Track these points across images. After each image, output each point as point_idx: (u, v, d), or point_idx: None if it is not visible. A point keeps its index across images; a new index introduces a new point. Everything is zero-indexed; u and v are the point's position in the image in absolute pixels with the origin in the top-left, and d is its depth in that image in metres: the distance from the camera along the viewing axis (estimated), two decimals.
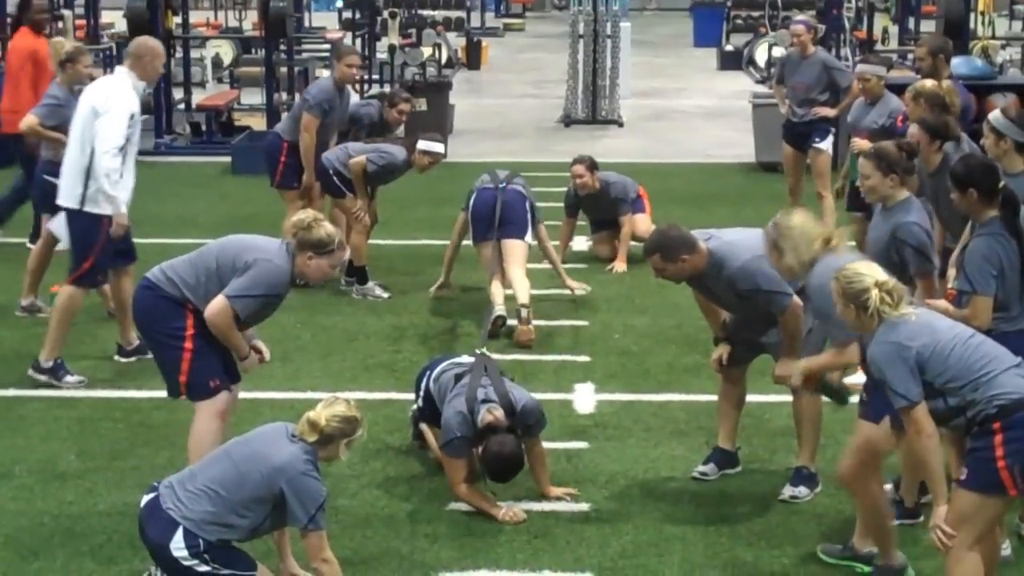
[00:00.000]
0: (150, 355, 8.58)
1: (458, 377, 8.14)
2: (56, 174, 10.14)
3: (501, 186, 11.60)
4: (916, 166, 8.26)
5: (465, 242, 11.86)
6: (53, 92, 11.21)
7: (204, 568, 6.40)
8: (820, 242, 7.06)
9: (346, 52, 13.04)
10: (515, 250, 11.40)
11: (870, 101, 11.45)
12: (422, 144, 12.05)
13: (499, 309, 11.01)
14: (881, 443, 6.92)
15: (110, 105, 9.64)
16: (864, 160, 7.86)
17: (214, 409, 7.52)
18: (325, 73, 22.69)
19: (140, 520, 6.59)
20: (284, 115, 14.93)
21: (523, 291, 11.03)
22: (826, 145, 13.65)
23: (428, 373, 8.40)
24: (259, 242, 7.53)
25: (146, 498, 6.60)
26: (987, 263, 7.09)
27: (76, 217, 9.83)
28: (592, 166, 13.20)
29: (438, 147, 12.16)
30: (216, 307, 7.31)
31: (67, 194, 9.86)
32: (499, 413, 7.81)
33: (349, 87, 13.05)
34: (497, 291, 11.20)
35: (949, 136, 8.57)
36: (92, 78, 10.72)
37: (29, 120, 11.06)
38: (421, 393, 8.37)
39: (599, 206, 13.42)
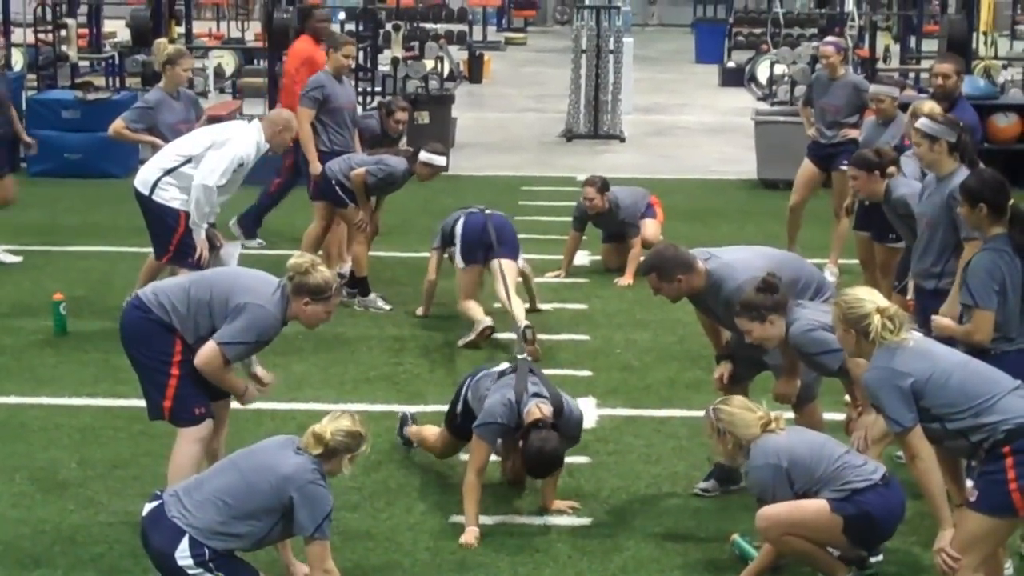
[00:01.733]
0: None
1: (500, 374, 8.16)
2: None
3: (487, 212, 11.71)
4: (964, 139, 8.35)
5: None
6: (147, 96, 11.88)
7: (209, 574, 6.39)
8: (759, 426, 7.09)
9: (342, 42, 13.12)
10: (511, 271, 11.43)
11: (882, 121, 11.40)
12: (424, 156, 12.06)
13: (488, 320, 11.04)
14: None
15: (230, 144, 10.22)
16: (914, 131, 8.09)
17: (196, 435, 7.45)
18: None
19: (143, 528, 6.58)
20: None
21: (521, 312, 11.06)
22: None
23: (469, 380, 8.39)
24: (254, 283, 7.43)
25: (149, 506, 6.60)
26: (990, 278, 7.08)
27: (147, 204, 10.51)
28: (603, 188, 13.22)
29: (440, 160, 12.18)
30: (207, 354, 7.24)
31: (142, 181, 10.52)
32: (547, 409, 7.82)
33: (346, 78, 13.18)
34: (476, 307, 11.19)
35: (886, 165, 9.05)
36: (192, 80, 11.12)
37: (115, 124, 11.65)
38: (460, 401, 8.32)
39: (608, 224, 13.50)
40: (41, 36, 21.74)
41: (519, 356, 8.66)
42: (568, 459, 8.53)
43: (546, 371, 9.41)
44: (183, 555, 6.39)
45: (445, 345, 11.11)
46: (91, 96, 18.15)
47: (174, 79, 11.60)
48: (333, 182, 12.04)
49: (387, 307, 12.11)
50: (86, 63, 23.17)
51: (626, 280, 13.01)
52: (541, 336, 11.19)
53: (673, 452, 8.96)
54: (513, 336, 10.74)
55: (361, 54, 23.75)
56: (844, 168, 13.37)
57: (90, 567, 7.24)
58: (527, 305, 11.66)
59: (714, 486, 8.27)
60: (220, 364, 7.29)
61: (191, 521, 6.41)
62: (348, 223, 12.18)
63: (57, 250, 14.09)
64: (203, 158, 10.26)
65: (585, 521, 7.90)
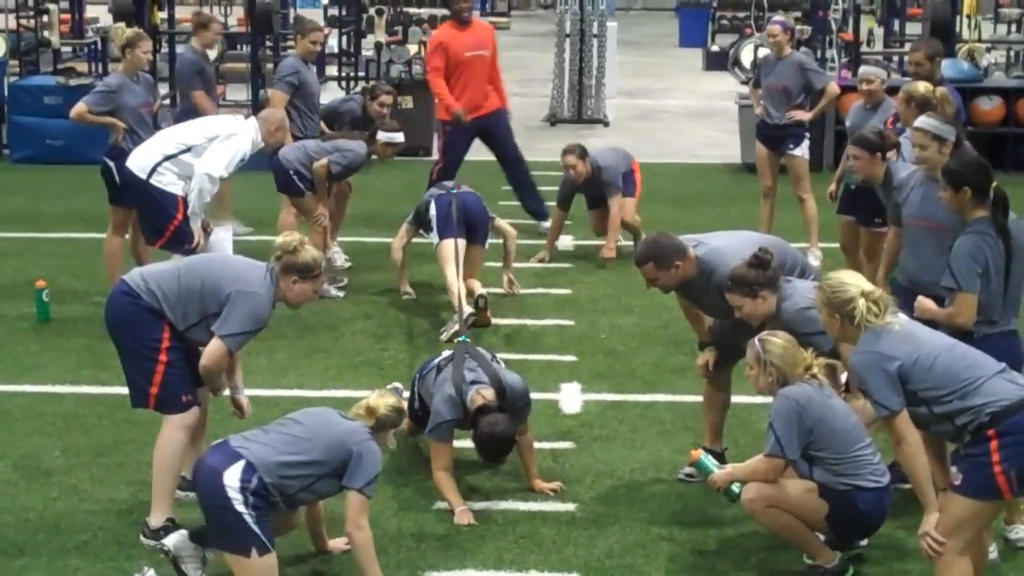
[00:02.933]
0: None
1: (439, 368, 8.25)
2: (116, 157, 11.02)
3: (454, 191, 11.75)
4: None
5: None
6: (107, 80, 11.99)
7: (241, 509, 6.46)
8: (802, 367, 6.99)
9: (310, 28, 13.21)
10: (478, 257, 11.59)
11: (870, 106, 11.35)
12: (383, 136, 12.18)
13: (469, 308, 10.93)
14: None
15: (234, 138, 10.40)
16: (917, 133, 7.90)
17: (183, 422, 7.41)
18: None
19: (198, 464, 6.71)
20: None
21: (479, 288, 11.23)
22: (801, 151, 13.55)
23: (417, 376, 8.51)
24: (244, 269, 7.45)
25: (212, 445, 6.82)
26: (973, 261, 7.05)
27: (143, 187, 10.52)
28: (583, 154, 13.13)
29: (399, 136, 12.30)
30: (215, 352, 7.20)
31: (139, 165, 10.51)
32: (488, 393, 7.92)
33: (313, 65, 13.30)
34: (455, 288, 11.06)
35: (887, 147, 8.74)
36: (151, 63, 11.22)
37: (78, 108, 11.64)
38: (416, 398, 8.42)
39: (592, 188, 13.36)
40: (23, 22, 21.63)
41: (458, 340, 8.75)
42: (552, 445, 8.56)
43: (531, 356, 9.49)
44: (232, 476, 6.48)
45: (430, 330, 11.09)
46: (73, 82, 18.08)
47: (134, 62, 11.58)
48: (290, 171, 11.97)
49: (340, 294, 12.12)
50: (68, 49, 23.08)
51: (608, 251, 12.90)
52: (526, 321, 11.23)
53: (658, 437, 8.96)
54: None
55: (344, 39, 23.72)
56: (792, 152, 13.47)
57: (74, 554, 7.22)
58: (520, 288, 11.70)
59: (697, 472, 8.24)
60: (225, 358, 7.33)
61: (253, 450, 6.57)
62: (305, 214, 12.12)
63: (40, 236, 14.05)
64: (206, 149, 10.34)
65: (570, 506, 7.90)
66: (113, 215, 11.55)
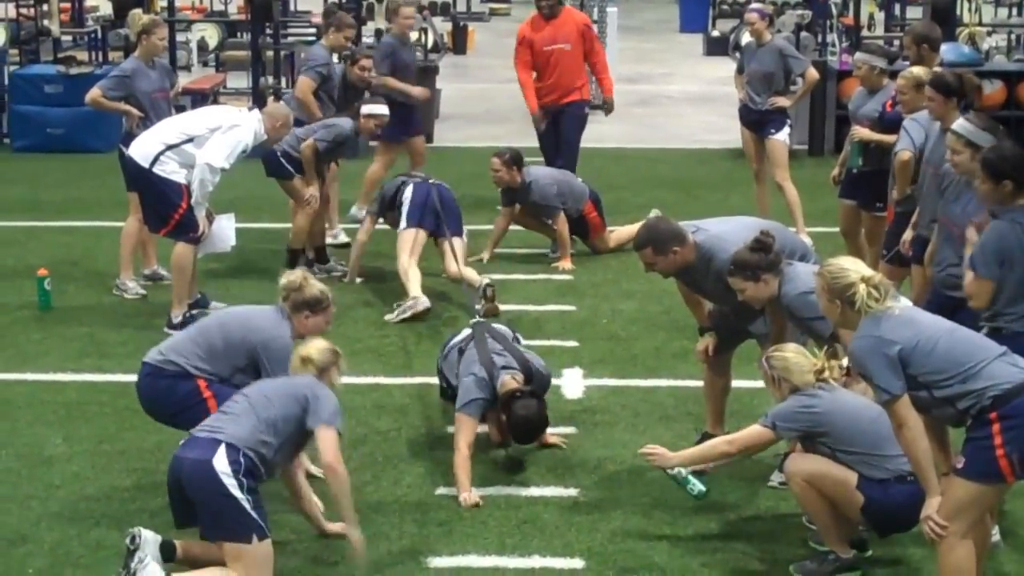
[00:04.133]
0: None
1: (461, 351, 8.42)
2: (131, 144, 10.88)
3: (432, 181, 11.78)
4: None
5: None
6: (123, 65, 11.98)
7: (238, 494, 6.50)
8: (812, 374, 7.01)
9: (346, 24, 13.23)
10: (462, 248, 11.58)
11: (870, 90, 11.33)
12: (366, 108, 12.17)
13: (425, 301, 11.07)
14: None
15: (236, 130, 10.42)
16: (951, 136, 7.72)
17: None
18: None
19: (175, 462, 6.68)
20: (270, 100, 15.01)
21: (475, 275, 11.21)
22: (782, 136, 13.62)
23: (440, 358, 8.74)
24: (259, 319, 7.60)
25: (182, 443, 6.81)
26: (997, 248, 6.95)
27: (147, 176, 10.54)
28: (512, 161, 12.73)
29: (382, 108, 12.27)
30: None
31: (142, 153, 10.53)
32: (520, 378, 8.13)
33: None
34: (415, 278, 11.22)
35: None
36: (166, 49, 11.26)
37: (92, 93, 11.68)
38: (442, 378, 8.72)
39: (525, 203, 12.92)
40: (23, 11, 21.60)
41: (475, 320, 8.88)
42: (554, 430, 8.57)
43: (532, 342, 9.47)
44: (221, 461, 6.53)
45: (430, 317, 11.06)
46: (74, 71, 18.06)
47: (150, 48, 11.62)
48: (278, 153, 11.95)
49: (346, 269, 12.19)
50: (69, 38, 23.01)
51: (564, 264, 12.68)
52: (527, 307, 11.24)
53: (659, 422, 8.96)
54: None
55: None
56: (773, 136, 13.50)
57: (76, 542, 7.23)
58: (522, 274, 11.82)
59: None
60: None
61: (225, 431, 6.65)
62: (295, 197, 12.11)
63: (41, 225, 14.05)
64: (208, 139, 10.36)
65: (572, 491, 7.90)
66: (132, 200, 11.51)
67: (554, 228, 12.83)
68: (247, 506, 6.50)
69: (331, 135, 11.99)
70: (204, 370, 7.48)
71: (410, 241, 11.41)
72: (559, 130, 14.23)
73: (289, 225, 12.29)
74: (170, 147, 10.41)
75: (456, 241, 11.53)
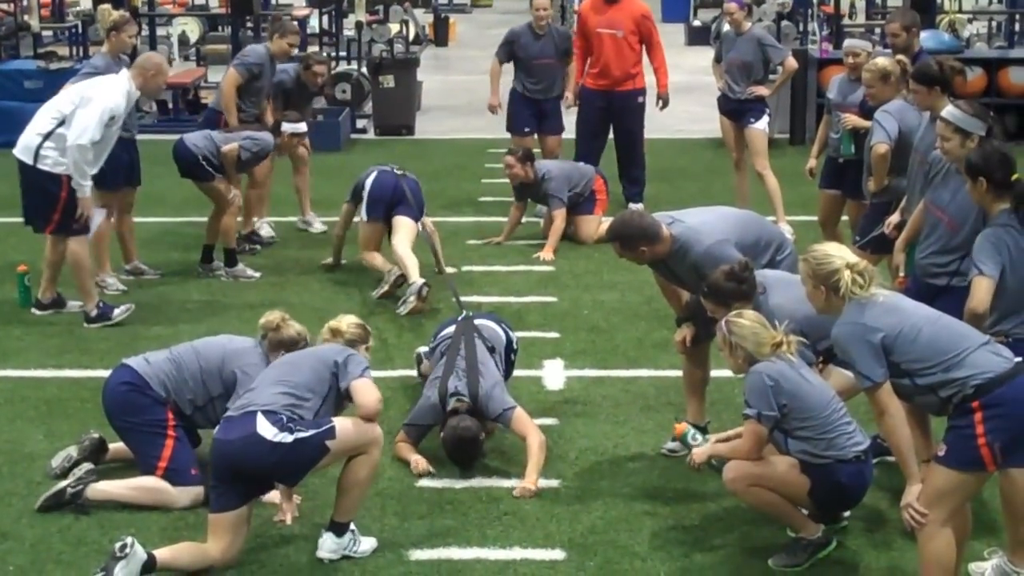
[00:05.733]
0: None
1: (443, 354, 8.44)
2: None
3: (399, 172, 11.84)
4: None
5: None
6: (93, 61, 11.88)
7: (292, 437, 6.67)
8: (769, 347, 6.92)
9: (289, 30, 13.10)
10: (408, 227, 11.58)
11: (855, 77, 11.32)
12: (287, 127, 12.36)
13: (396, 269, 11.31)
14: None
15: (96, 100, 10.22)
16: (941, 123, 7.72)
17: (193, 496, 7.52)
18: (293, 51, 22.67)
19: (220, 446, 6.80)
20: None
21: (415, 269, 11.19)
22: (761, 125, 13.68)
23: (433, 338, 8.79)
24: (238, 346, 7.76)
25: (219, 427, 6.98)
26: (994, 248, 6.93)
27: (30, 172, 10.43)
28: (524, 158, 13.16)
29: (302, 127, 12.53)
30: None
31: (24, 148, 10.46)
32: (462, 406, 8.09)
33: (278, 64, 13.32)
34: (379, 258, 11.59)
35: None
36: (135, 47, 11.15)
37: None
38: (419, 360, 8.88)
39: (537, 197, 13.44)
40: (3, 6, 21.58)
41: (464, 315, 8.82)
42: (536, 421, 8.53)
43: (515, 335, 9.45)
44: (265, 428, 6.68)
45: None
46: (54, 66, 18.03)
47: (119, 45, 11.60)
48: (200, 157, 11.96)
49: (256, 275, 12.18)
50: (49, 33, 23.03)
51: (546, 252, 12.83)
52: (509, 298, 11.26)
53: (641, 412, 8.97)
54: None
55: (325, 18, 23.70)
56: (753, 125, 13.54)
57: (57, 538, 7.22)
58: (439, 269, 11.87)
59: (680, 446, 8.26)
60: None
61: (257, 401, 6.83)
62: (216, 198, 12.10)
63: (21, 221, 13.96)
64: (73, 117, 10.24)
65: (553, 483, 7.91)
66: (99, 198, 11.48)
67: (552, 219, 13.07)
68: (307, 435, 6.69)
69: (256, 147, 12.11)
70: (181, 400, 7.61)
71: (365, 235, 11.73)
72: (614, 123, 14.43)
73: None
74: (46, 136, 10.34)
75: (402, 220, 11.58)
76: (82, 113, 10.22)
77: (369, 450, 6.84)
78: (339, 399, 7.02)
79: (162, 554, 6.71)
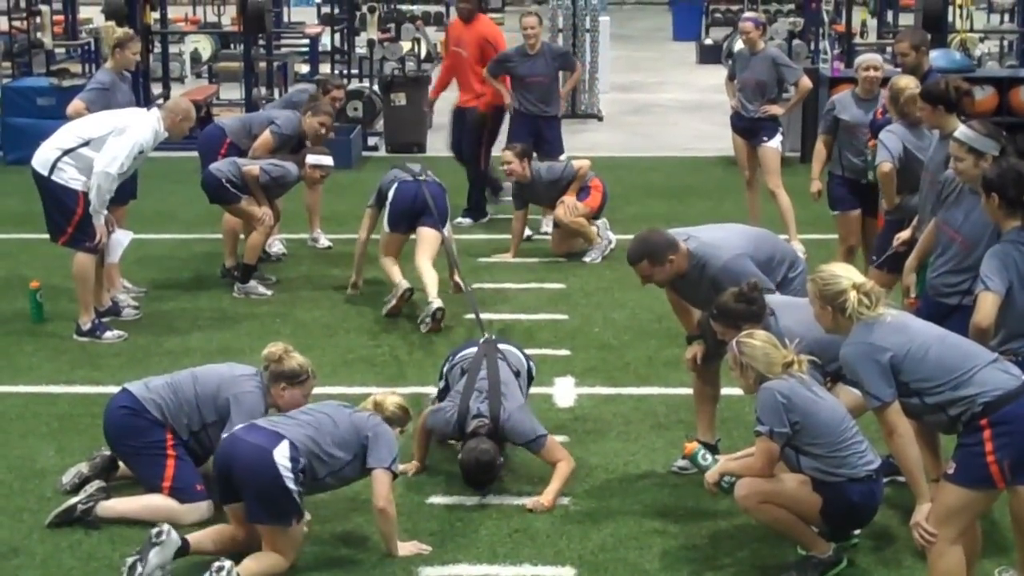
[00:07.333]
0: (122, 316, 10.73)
1: (463, 371, 8.38)
2: None
3: (420, 178, 11.68)
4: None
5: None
6: (99, 77, 11.96)
7: (292, 486, 6.82)
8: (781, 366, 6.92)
9: (323, 111, 12.68)
10: (431, 239, 11.52)
11: (865, 96, 11.27)
12: (311, 159, 12.13)
13: (405, 283, 11.31)
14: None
15: (129, 131, 10.40)
16: (954, 144, 7.66)
17: (200, 512, 7.57)
18: (304, 68, 22.70)
19: (231, 441, 7.00)
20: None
21: (434, 287, 11.11)
22: (774, 143, 13.67)
23: (450, 358, 8.68)
24: (237, 373, 7.78)
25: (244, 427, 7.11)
26: (1002, 264, 6.88)
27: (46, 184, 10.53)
28: (522, 154, 13.24)
29: (327, 160, 12.21)
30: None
31: (41, 160, 10.53)
32: (484, 430, 8.02)
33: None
34: (394, 268, 11.50)
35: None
36: (139, 64, 11.21)
37: (75, 105, 11.62)
38: (443, 380, 8.65)
39: (537, 195, 13.48)
40: (16, 23, 21.63)
41: (486, 338, 8.73)
42: None
43: (525, 351, 9.46)
44: (282, 454, 6.83)
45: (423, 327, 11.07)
46: (66, 83, 18.04)
47: (123, 62, 11.69)
48: (222, 180, 11.91)
49: (268, 292, 12.12)
50: (62, 50, 23.07)
51: (508, 255, 13.10)
52: (520, 316, 11.26)
53: (651, 430, 8.97)
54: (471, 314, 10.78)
55: (337, 36, 23.72)
56: (765, 144, 13.54)
57: (68, 554, 7.23)
58: (454, 283, 11.73)
59: (690, 465, 8.26)
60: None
61: (290, 432, 6.96)
62: (246, 218, 12.06)
63: (34, 237, 13.97)
64: (104, 143, 10.37)
65: (563, 500, 7.90)
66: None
67: (522, 220, 13.38)
68: (296, 497, 6.83)
69: (277, 172, 12.00)
70: (178, 424, 7.65)
71: (386, 243, 11.65)
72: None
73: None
74: (67, 152, 10.43)
75: (425, 232, 11.51)
76: (115, 142, 10.36)
77: (279, 559, 6.91)
78: (356, 471, 7.19)
79: (195, 538, 6.95)
